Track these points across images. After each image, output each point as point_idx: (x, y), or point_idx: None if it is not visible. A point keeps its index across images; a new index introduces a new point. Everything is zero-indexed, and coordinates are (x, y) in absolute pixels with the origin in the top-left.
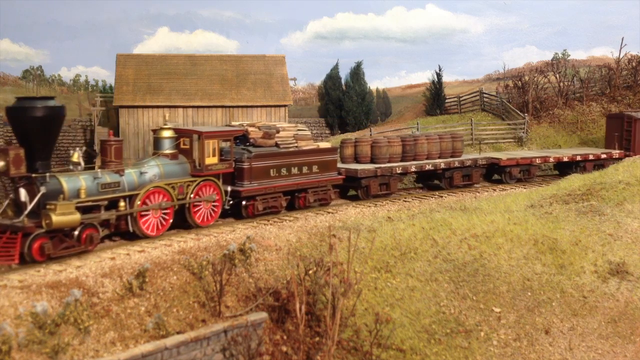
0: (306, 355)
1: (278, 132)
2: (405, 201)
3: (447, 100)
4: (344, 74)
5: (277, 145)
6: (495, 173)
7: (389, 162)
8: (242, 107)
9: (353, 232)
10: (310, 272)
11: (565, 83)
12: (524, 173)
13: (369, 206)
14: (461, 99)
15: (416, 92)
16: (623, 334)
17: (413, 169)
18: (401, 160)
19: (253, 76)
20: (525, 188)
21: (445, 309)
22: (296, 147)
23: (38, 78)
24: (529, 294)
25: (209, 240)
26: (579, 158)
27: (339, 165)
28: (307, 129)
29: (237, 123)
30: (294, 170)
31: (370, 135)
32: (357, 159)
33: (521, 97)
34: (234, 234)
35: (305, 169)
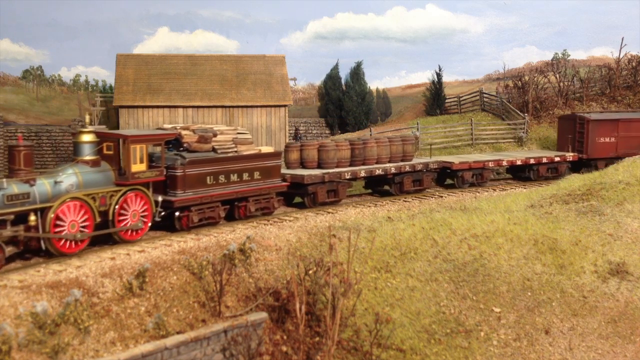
0: (306, 355)
1: (215, 135)
2: (405, 201)
3: (447, 100)
4: (344, 74)
5: (214, 150)
6: (447, 177)
7: (337, 167)
8: (242, 107)
9: (353, 232)
10: (310, 272)
11: (565, 83)
12: (477, 177)
13: (369, 206)
14: (461, 99)
15: (416, 92)
16: (623, 334)
17: (362, 174)
18: (350, 165)
19: (253, 76)
20: (525, 188)
21: (445, 309)
22: (235, 151)
23: (38, 78)
24: (529, 294)
25: (209, 240)
26: (532, 161)
27: (284, 171)
28: (247, 132)
29: (169, 126)
30: (234, 178)
31: (370, 135)
32: (303, 164)
33: (521, 97)
34: (234, 234)
35: (245, 176)
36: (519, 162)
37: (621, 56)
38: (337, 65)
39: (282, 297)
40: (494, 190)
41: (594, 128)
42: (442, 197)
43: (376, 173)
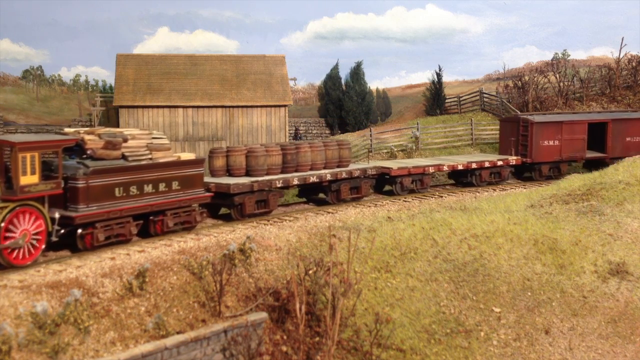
0: (306, 355)
1: (125, 140)
2: (405, 201)
3: (447, 100)
4: (344, 74)
5: (124, 157)
6: (386, 184)
7: (267, 174)
8: (242, 107)
9: (353, 232)
10: (310, 272)
11: (565, 83)
12: (417, 183)
13: (369, 206)
14: (461, 99)
15: (416, 92)
16: (623, 334)
17: (295, 182)
18: (282, 172)
19: (253, 76)
20: (525, 188)
21: (445, 309)
22: (150, 159)
23: (38, 78)
24: (529, 294)
25: (209, 240)
26: (474, 166)
27: (208, 179)
28: (164, 136)
29: (71, 130)
30: (148, 189)
31: (370, 135)
32: (229, 172)
33: (521, 97)
34: (234, 234)
35: (162, 187)
36: (460, 167)
37: (621, 56)
38: (337, 65)
39: (282, 297)
40: (494, 190)
41: (537, 131)
42: (442, 197)
43: (311, 180)
